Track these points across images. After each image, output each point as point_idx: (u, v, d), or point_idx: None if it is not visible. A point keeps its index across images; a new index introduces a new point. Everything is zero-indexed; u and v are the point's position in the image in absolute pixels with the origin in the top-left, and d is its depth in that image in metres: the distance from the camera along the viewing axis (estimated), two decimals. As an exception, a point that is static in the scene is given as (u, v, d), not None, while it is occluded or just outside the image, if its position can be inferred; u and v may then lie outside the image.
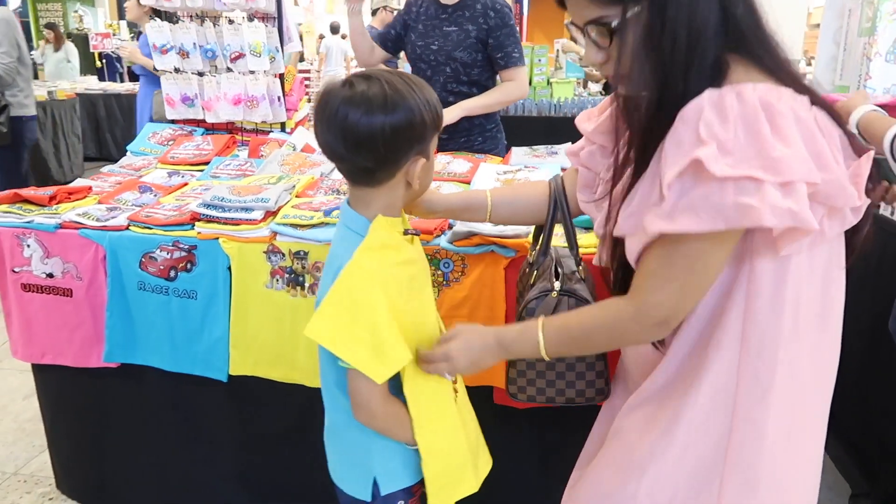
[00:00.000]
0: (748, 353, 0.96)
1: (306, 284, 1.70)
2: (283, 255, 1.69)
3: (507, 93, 2.46)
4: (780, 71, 0.91)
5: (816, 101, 0.90)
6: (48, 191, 1.92)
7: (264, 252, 1.70)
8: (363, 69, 1.10)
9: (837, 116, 0.92)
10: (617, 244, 1.02)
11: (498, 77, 2.51)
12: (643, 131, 0.95)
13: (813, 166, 0.83)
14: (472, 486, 1.22)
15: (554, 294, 1.25)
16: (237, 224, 1.71)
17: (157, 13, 3.14)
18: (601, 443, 1.20)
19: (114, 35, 11.63)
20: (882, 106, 1.45)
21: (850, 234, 0.97)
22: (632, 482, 1.06)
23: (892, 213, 2.02)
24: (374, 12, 6.02)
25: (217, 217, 1.72)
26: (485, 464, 1.28)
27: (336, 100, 1.02)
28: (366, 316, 1.04)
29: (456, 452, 1.21)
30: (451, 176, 2.08)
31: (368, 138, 1.01)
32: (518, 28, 2.47)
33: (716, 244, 0.90)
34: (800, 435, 1.02)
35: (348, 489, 1.21)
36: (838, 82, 2.72)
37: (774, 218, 0.82)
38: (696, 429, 1.01)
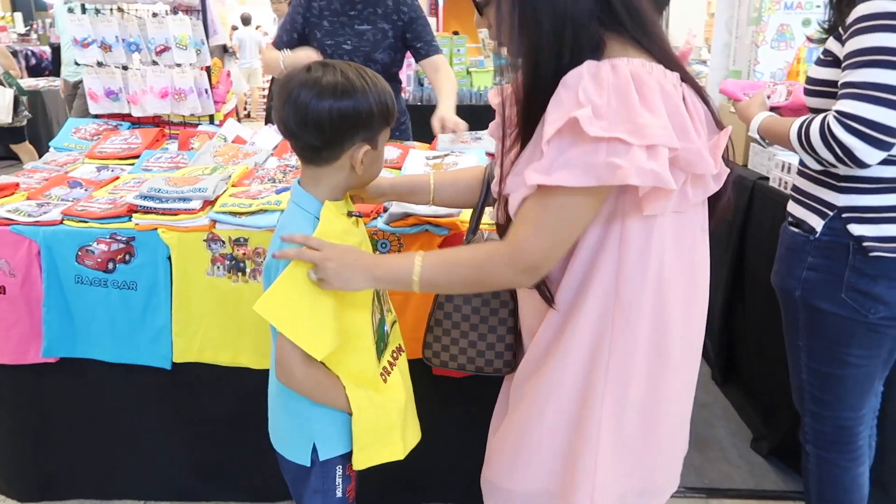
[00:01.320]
0: (620, 305, 1.07)
1: (247, 270, 1.76)
2: (224, 242, 1.75)
3: (453, 80, 2.48)
4: (654, 49, 1.02)
5: (686, 78, 1.02)
6: (-26, 188, 1.89)
7: (204, 240, 1.75)
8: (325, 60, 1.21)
9: (703, 93, 1.05)
10: (507, 203, 1.10)
11: (413, 65, 2.54)
12: (525, 99, 1.03)
13: (674, 134, 0.94)
14: (397, 453, 1.29)
15: None
16: (176, 214, 1.75)
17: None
18: (505, 410, 1.31)
19: (9, 28, 10.99)
20: (775, 108, 1.64)
21: (713, 201, 1.10)
22: (532, 440, 1.18)
23: (781, 186, 2.24)
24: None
25: (155, 208, 1.75)
26: (413, 437, 1.36)
27: (294, 81, 1.14)
28: (318, 297, 1.14)
29: (383, 417, 1.27)
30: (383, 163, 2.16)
31: (316, 118, 1.12)
32: (434, 20, 2.53)
33: (587, 199, 1.00)
34: (666, 379, 1.13)
35: (289, 454, 1.29)
36: (732, 67, 2.96)
37: (639, 178, 0.93)
38: (574, 374, 1.12)
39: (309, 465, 1.27)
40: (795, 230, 1.49)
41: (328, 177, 1.20)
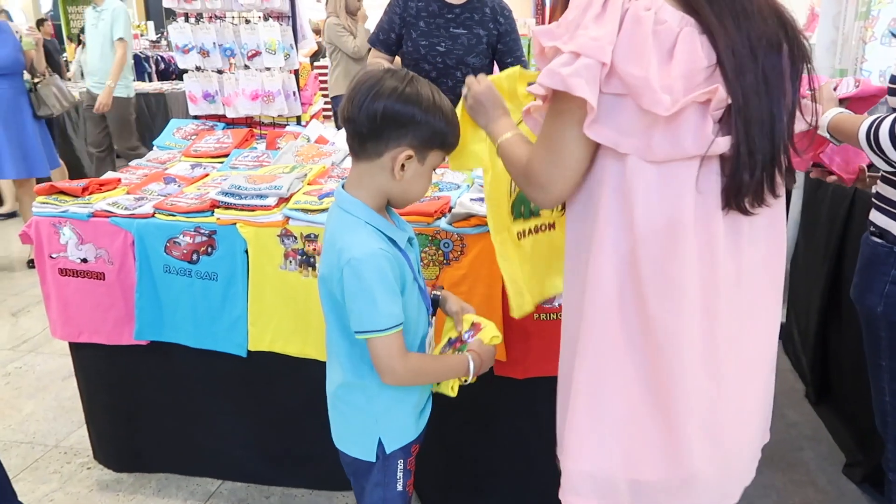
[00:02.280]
0: (593, 250, 1.04)
1: (317, 265, 1.83)
2: (296, 238, 1.82)
3: None
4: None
5: (707, 30, 0.95)
6: (81, 182, 2.08)
7: (278, 236, 1.84)
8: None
9: (722, 52, 0.94)
10: None
11: None
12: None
13: (607, 49, 0.93)
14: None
15: None
16: (253, 210, 1.84)
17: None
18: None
19: (142, 35, 11.92)
20: (844, 98, 1.52)
21: (731, 176, 0.99)
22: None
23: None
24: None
25: (234, 204, 1.86)
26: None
27: (372, 75, 1.18)
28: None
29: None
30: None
31: (373, 104, 1.15)
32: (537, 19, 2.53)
33: (564, 116, 1.01)
34: (647, 344, 1.04)
35: (354, 452, 1.33)
36: (837, 66, 2.76)
37: (549, 79, 0.96)
38: (565, 326, 1.17)
39: (374, 460, 1.31)
40: (878, 240, 1.37)
41: (370, 176, 1.22)
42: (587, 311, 1.06)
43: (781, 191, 1.05)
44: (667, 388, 1.03)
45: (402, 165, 1.19)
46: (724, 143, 0.96)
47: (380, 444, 1.30)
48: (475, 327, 1.34)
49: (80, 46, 8.95)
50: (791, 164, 1.06)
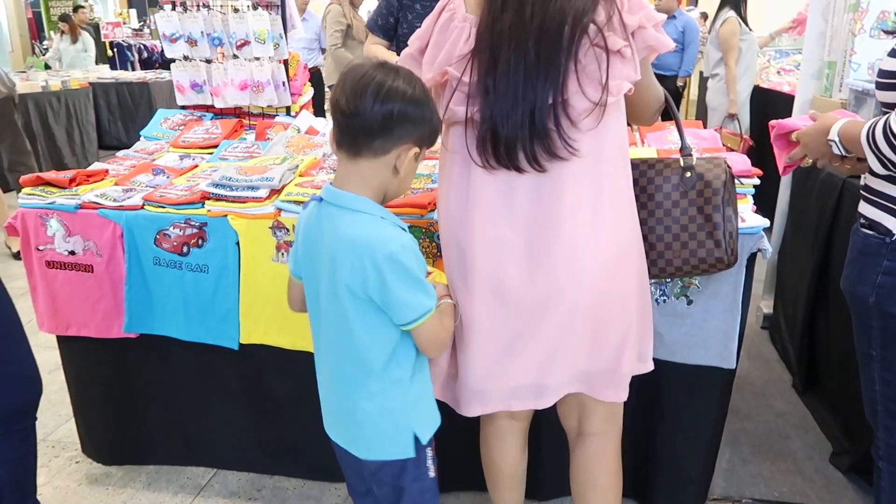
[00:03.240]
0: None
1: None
2: (288, 230, 1.81)
3: None
4: None
5: (477, 26, 1.25)
6: (68, 174, 2.04)
7: (270, 228, 1.82)
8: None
9: (478, 42, 1.24)
10: None
11: None
12: None
13: (415, 42, 1.40)
14: None
15: None
16: (244, 202, 1.83)
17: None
18: None
19: (124, 24, 11.76)
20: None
21: (479, 138, 1.27)
22: None
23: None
24: None
25: (225, 196, 1.84)
26: None
27: (371, 68, 1.16)
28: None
29: None
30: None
31: (388, 99, 1.14)
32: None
33: None
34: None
35: (393, 454, 1.30)
36: (826, 58, 2.77)
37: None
38: None
39: (414, 455, 1.30)
40: (869, 232, 1.38)
41: (373, 172, 1.20)
42: None
43: (563, 153, 1.22)
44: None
45: (407, 164, 1.20)
46: (460, 112, 1.25)
47: (415, 438, 1.30)
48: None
49: (60, 34, 8.83)
50: (563, 129, 1.20)
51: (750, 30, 4.54)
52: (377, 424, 1.29)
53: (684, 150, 1.47)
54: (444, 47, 1.27)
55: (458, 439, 1.54)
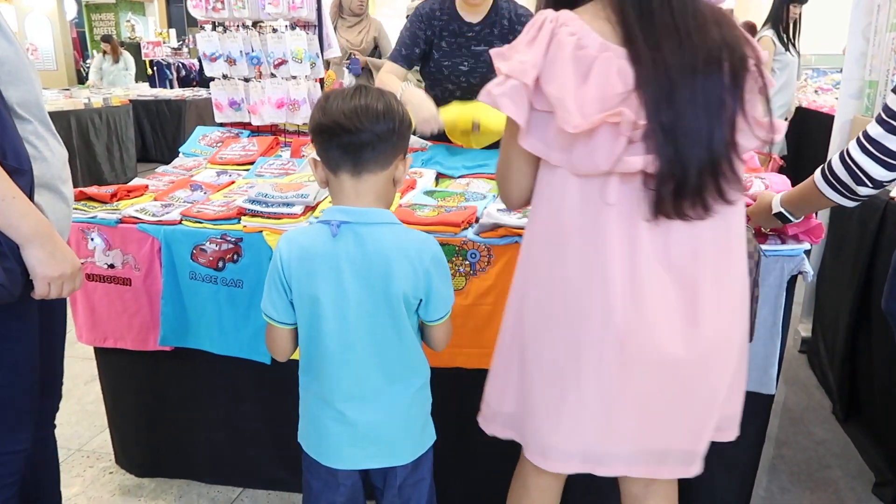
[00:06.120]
0: (529, 253, 1.24)
1: (343, 274, 1.82)
2: (322, 246, 1.82)
3: None
4: (626, 26, 1.06)
5: (632, 58, 1.05)
6: (110, 189, 2.09)
7: (304, 244, 1.83)
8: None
9: (642, 78, 1.04)
10: None
11: None
12: None
13: (529, 71, 1.05)
14: None
15: None
16: (279, 218, 1.85)
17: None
18: None
19: (164, 43, 12.07)
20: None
21: (657, 189, 1.08)
22: None
23: None
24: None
25: (261, 212, 1.86)
26: None
27: (353, 90, 1.25)
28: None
29: None
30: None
31: (402, 118, 1.26)
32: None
33: (509, 131, 1.18)
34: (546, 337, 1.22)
35: (427, 444, 1.42)
36: (867, 77, 2.72)
37: (486, 98, 1.09)
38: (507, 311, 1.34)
39: (430, 446, 1.42)
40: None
41: (385, 186, 1.29)
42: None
43: (733, 196, 1.12)
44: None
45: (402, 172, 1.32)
46: (637, 162, 1.05)
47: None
48: None
49: (102, 54, 9.10)
50: (736, 171, 1.10)
51: (787, 50, 4.47)
52: (419, 420, 1.40)
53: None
54: (590, 81, 1.05)
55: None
